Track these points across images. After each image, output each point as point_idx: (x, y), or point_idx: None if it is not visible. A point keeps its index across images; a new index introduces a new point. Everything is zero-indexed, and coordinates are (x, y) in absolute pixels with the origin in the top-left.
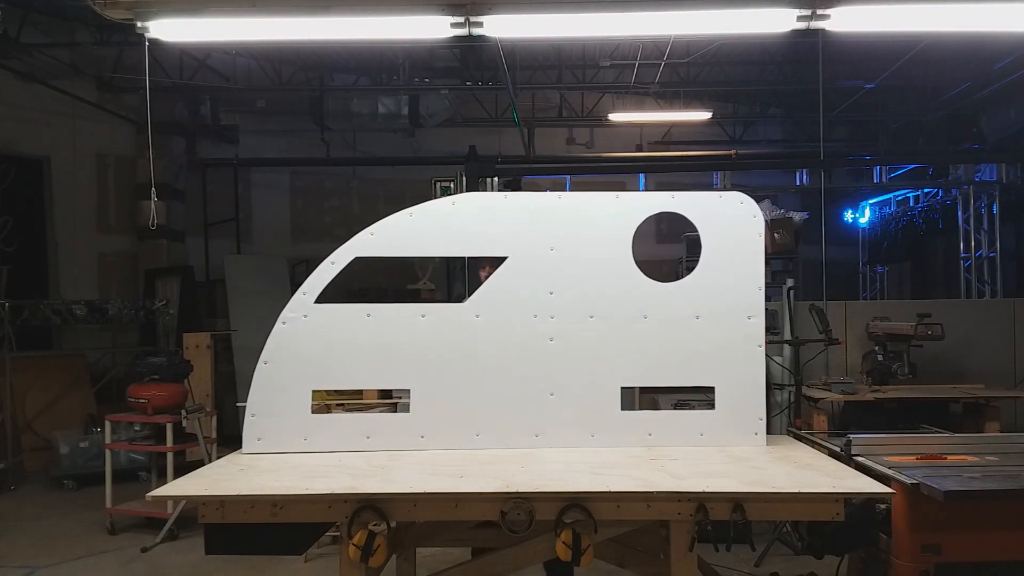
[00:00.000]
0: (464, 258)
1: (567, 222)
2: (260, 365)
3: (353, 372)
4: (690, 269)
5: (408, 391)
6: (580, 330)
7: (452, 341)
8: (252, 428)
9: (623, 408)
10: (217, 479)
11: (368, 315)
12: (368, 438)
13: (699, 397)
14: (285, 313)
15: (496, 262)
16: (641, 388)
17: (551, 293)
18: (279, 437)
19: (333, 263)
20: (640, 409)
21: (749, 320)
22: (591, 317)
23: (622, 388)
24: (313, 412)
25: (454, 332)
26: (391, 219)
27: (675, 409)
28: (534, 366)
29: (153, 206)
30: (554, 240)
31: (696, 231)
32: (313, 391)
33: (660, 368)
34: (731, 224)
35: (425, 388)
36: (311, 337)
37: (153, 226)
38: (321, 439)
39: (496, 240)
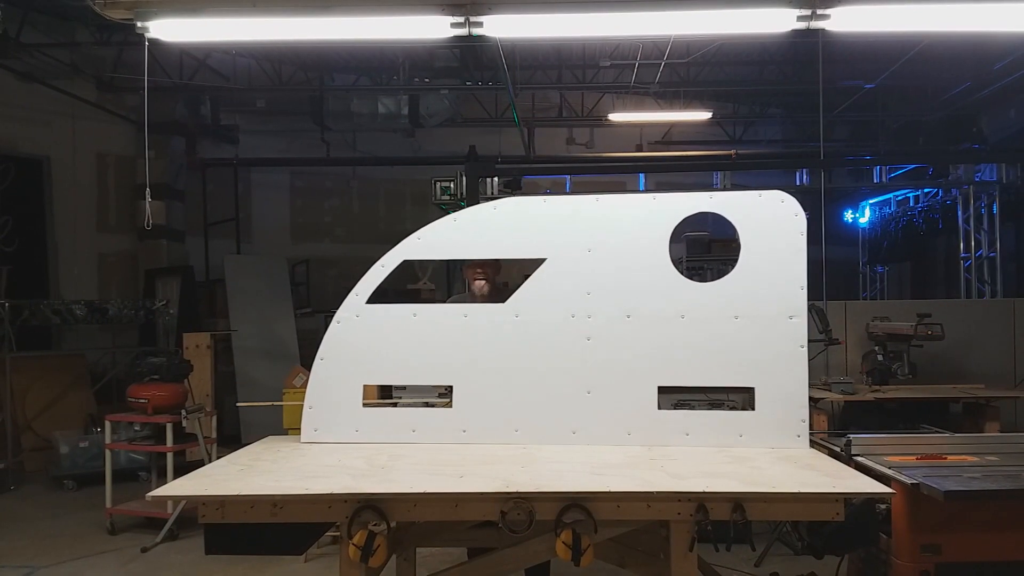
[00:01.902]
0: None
1: (604, 224)
2: (317, 361)
3: (401, 368)
4: (690, 269)
5: (406, 391)
6: (617, 330)
7: (493, 340)
8: (310, 419)
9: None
10: (217, 479)
11: (415, 315)
12: (414, 431)
13: (699, 397)
14: (339, 313)
15: (487, 263)
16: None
17: (588, 293)
18: (333, 428)
19: (383, 266)
20: None
21: (791, 320)
22: (628, 317)
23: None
24: None
25: (495, 331)
26: (436, 224)
27: (675, 409)
28: (572, 364)
29: (148, 207)
30: (591, 242)
31: (698, 231)
32: (302, 393)
33: (698, 368)
34: (771, 223)
35: (467, 385)
36: (362, 335)
37: (148, 226)
38: (371, 431)
39: (535, 242)
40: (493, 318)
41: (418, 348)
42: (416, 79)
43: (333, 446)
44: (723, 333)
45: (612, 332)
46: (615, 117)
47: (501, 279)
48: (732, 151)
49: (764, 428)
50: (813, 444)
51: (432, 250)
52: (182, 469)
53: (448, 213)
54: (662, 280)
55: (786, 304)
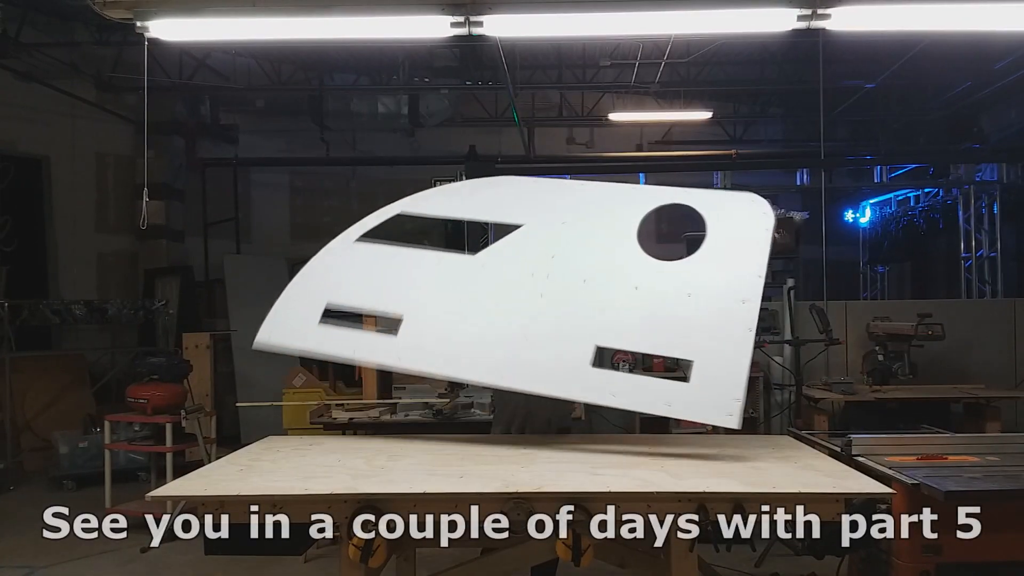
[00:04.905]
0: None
1: (583, 203)
2: (297, 276)
3: (362, 294)
4: None
5: (406, 391)
6: (570, 290)
7: (455, 283)
8: (270, 323)
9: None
10: (216, 479)
11: (394, 255)
12: (354, 352)
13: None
14: (331, 243)
15: None
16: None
17: (552, 257)
18: (287, 335)
19: (380, 215)
20: None
21: (743, 304)
22: (584, 282)
23: (599, 347)
24: (313, 412)
25: (459, 275)
26: (428, 191)
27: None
28: (521, 315)
29: (145, 207)
30: (568, 215)
31: (698, 231)
32: (302, 394)
33: (640, 334)
34: (740, 217)
35: (418, 316)
36: (341, 264)
37: (144, 226)
38: (317, 342)
39: (516, 211)
40: (461, 264)
41: (387, 281)
42: (416, 79)
43: (332, 445)
44: (673, 306)
45: (565, 292)
46: (615, 117)
47: None
48: (732, 151)
49: (694, 401)
50: (814, 445)
51: (426, 208)
52: (182, 469)
53: None
54: (625, 255)
55: (741, 289)
